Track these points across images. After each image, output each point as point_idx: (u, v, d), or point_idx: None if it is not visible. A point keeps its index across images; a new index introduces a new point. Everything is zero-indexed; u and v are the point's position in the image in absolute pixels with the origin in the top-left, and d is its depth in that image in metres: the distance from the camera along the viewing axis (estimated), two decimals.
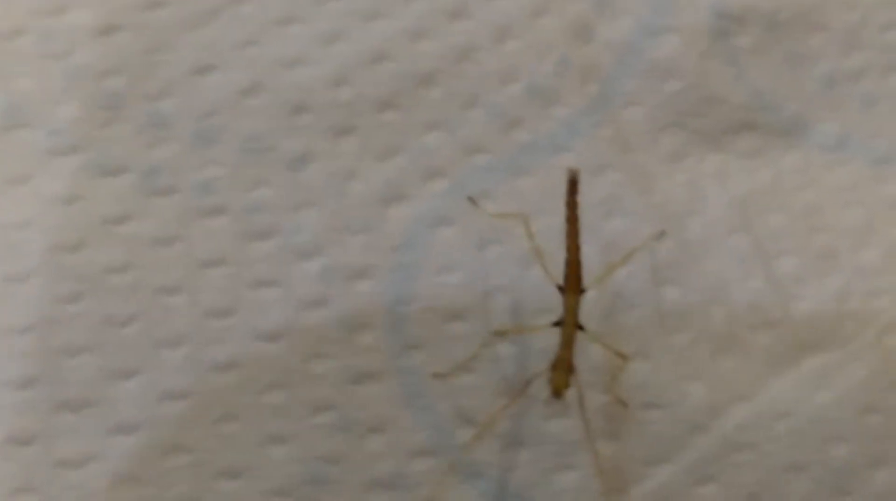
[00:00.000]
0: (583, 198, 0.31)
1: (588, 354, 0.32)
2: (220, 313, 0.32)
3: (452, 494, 0.31)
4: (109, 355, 0.31)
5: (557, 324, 0.31)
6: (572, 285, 0.30)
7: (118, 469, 0.31)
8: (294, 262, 0.31)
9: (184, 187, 0.31)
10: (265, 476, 0.31)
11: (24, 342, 0.31)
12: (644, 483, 0.32)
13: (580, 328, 0.31)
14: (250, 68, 0.33)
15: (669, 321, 0.32)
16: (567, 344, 0.30)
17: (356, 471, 0.30)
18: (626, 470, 0.32)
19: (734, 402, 0.31)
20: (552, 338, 0.31)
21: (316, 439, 0.30)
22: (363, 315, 0.30)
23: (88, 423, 0.31)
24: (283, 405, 0.30)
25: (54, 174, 0.32)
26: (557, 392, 0.30)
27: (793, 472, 0.32)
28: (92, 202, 0.32)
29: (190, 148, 0.32)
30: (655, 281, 0.33)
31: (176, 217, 0.31)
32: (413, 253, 0.31)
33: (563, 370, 0.30)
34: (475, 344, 0.31)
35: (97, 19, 0.33)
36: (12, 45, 0.32)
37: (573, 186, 0.30)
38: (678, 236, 0.33)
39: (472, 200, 0.31)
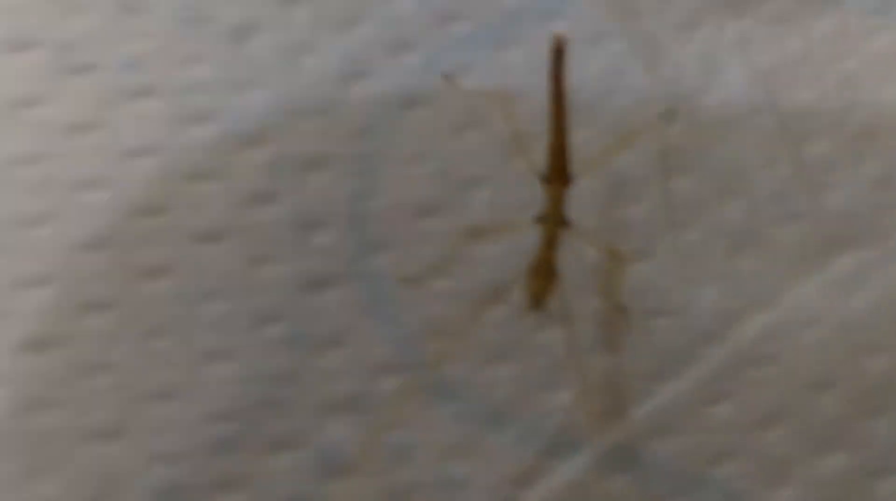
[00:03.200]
0: (578, 72, 0.28)
1: (581, 254, 0.29)
2: (148, 210, 0.29)
3: (422, 416, 0.28)
4: (16, 260, 0.28)
5: (541, 220, 0.28)
6: (556, 173, 0.28)
7: (31, 391, 0.28)
8: (237, 151, 0.29)
9: (105, 65, 0.29)
10: (203, 397, 0.28)
11: None
12: (647, 402, 0.29)
13: (566, 224, 0.28)
14: None
15: (679, 214, 0.30)
16: (549, 244, 0.27)
17: (311, 391, 0.28)
18: (626, 387, 0.29)
19: (753, 308, 0.29)
20: (536, 238, 0.28)
21: (263, 355, 0.28)
22: (318, 212, 0.29)
23: None
24: (223, 316, 0.28)
25: None
26: (537, 300, 0.27)
27: (821, 389, 0.29)
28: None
29: (112, 18, 0.29)
30: (663, 168, 0.30)
31: (96, 100, 0.29)
32: (377, 139, 0.29)
33: (543, 274, 0.27)
34: (448, 244, 0.29)
35: None
36: None
37: (559, 55, 0.27)
38: (690, 116, 0.30)
39: (446, 76, 0.29)
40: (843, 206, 0.30)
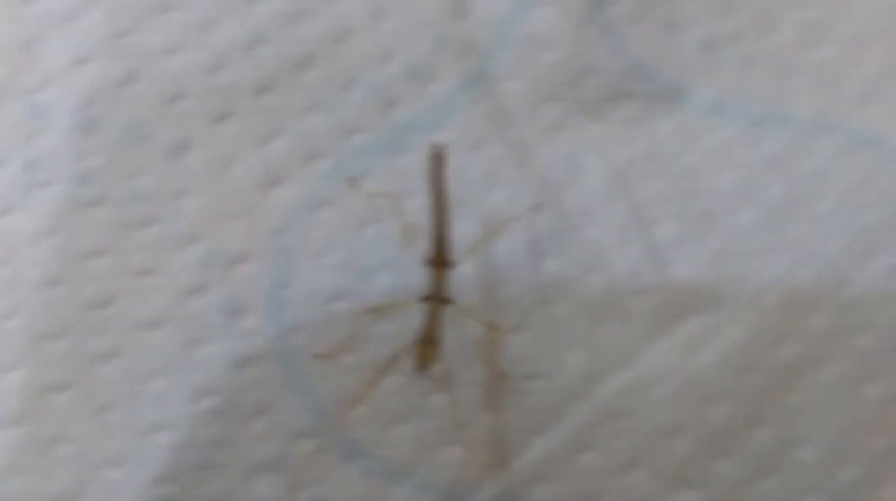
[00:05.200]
0: (461, 173, 0.32)
1: (465, 328, 0.32)
2: (100, 303, 0.32)
3: (336, 473, 0.32)
4: None
5: (426, 299, 0.31)
6: (437, 258, 0.31)
7: (1, 462, 0.31)
8: (174, 249, 0.32)
9: (64, 179, 0.31)
10: (149, 463, 0.31)
11: None
12: (526, 454, 0.32)
13: (449, 301, 0.31)
14: (126, 57, 0.33)
15: (548, 291, 0.33)
16: (431, 318, 0.30)
17: (240, 455, 0.31)
18: (506, 442, 0.32)
19: (613, 368, 0.31)
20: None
21: (199, 424, 0.31)
22: (244, 300, 0.31)
23: None
24: (165, 392, 0.31)
25: None
26: (422, 366, 0.30)
27: (671, 435, 0.32)
28: None
29: (69, 139, 0.32)
30: (533, 253, 0.33)
31: (56, 209, 0.31)
32: (293, 236, 0.32)
33: (427, 343, 0.30)
34: (353, 324, 0.32)
35: None
36: None
37: (437, 160, 0.31)
38: (556, 207, 0.33)
39: (350, 180, 0.32)
40: (688, 278, 0.33)
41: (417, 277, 0.32)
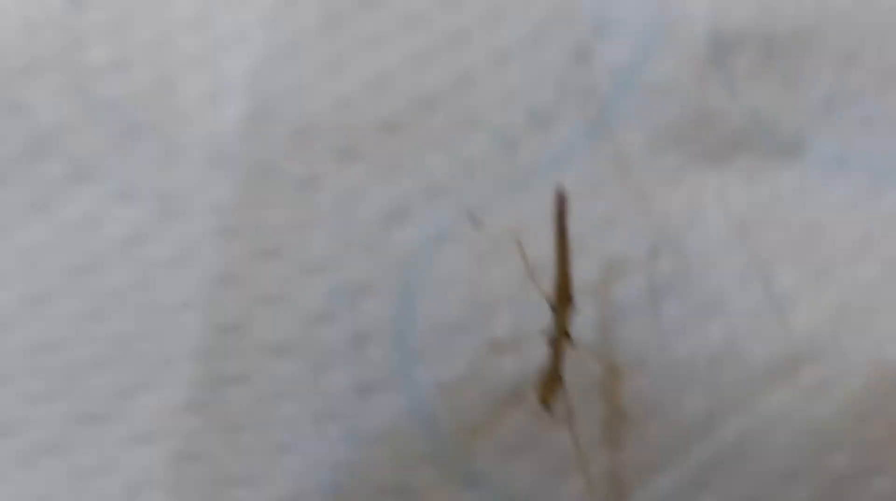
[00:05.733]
0: (582, 216, 0.32)
1: (587, 366, 0.32)
2: (231, 329, 0.33)
3: (455, 500, 0.32)
4: (124, 370, 0.32)
5: (550, 336, 0.32)
6: (561, 299, 0.32)
7: (136, 478, 0.32)
8: (302, 280, 0.33)
9: (198, 210, 0.32)
10: (277, 484, 0.32)
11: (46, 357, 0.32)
12: (642, 491, 0.32)
13: (571, 340, 0.31)
14: (259, 96, 0.34)
15: (667, 334, 0.33)
16: (555, 356, 0.31)
17: (363, 480, 0.32)
18: (625, 478, 0.32)
19: (732, 412, 0.31)
20: (546, 351, 0.32)
21: (325, 448, 0.32)
22: (369, 330, 0.32)
23: (107, 435, 0.32)
24: (292, 416, 0.32)
25: (75, 201, 0.33)
26: (544, 402, 0.31)
27: (790, 480, 0.33)
28: (108, 227, 0.33)
29: (203, 172, 0.33)
30: (653, 296, 0.34)
31: (189, 238, 0.32)
32: (416, 270, 0.33)
33: (550, 381, 0.31)
34: (476, 357, 0.33)
35: (112, 55, 0.34)
36: (34, 80, 0.34)
37: (561, 205, 0.32)
38: (676, 253, 0.34)
39: (473, 218, 0.33)
40: (807, 328, 0.33)
41: (538, 314, 0.32)
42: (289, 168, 0.34)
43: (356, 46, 0.34)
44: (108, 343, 0.32)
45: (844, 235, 0.33)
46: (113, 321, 0.32)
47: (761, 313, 0.32)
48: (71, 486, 0.31)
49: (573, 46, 0.35)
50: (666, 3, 0.35)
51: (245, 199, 0.33)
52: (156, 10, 0.34)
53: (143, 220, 0.33)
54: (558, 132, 0.34)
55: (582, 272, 0.31)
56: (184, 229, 0.33)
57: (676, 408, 0.32)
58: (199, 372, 0.32)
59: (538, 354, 0.32)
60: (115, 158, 0.34)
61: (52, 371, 0.32)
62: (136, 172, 0.34)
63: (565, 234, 0.30)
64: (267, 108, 0.34)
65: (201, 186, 0.34)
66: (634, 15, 0.35)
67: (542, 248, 0.31)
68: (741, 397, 0.32)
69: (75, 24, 0.34)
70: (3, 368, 0.32)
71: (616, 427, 0.32)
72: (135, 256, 0.33)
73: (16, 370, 0.32)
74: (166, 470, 0.32)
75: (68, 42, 0.34)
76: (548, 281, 0.32)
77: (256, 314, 0.33)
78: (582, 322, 0.32)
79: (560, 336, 0.31)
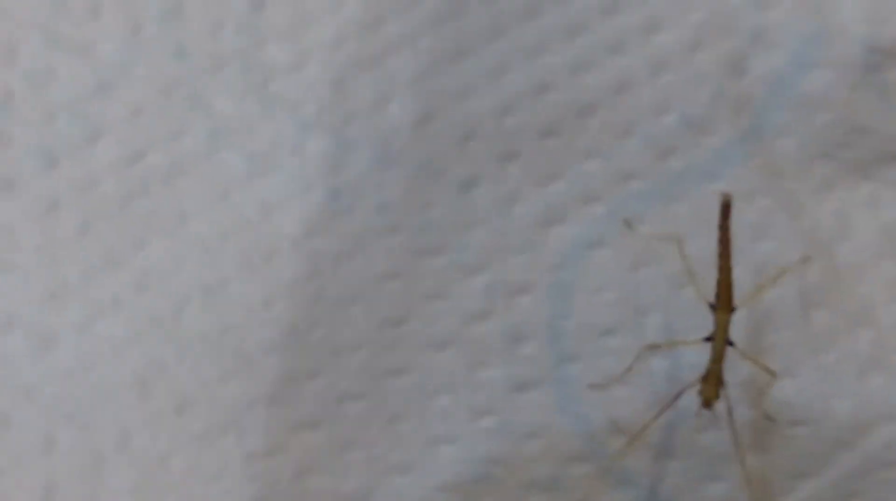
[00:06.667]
0: (734, 222, 0.33)
1: (737, 370, 0.33)
2: (394, 322, 0.34)
3: (605, 498, 0.33)
4: (294, 358, 0.34)
5: (709, 340, 0.32)
6: (724, 302, 0.32)
7: (303, 462, 0.33)
8: (461, 277, 0.34)
9: (365, 207, 0.33)
10: (433, 472, 0.33)
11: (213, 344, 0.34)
12: (790, 496, 0.33)
13: (730, 344, 0.32)
14: (425, 100, 0.35)
15: (817, 341, 0.34)
16: (717, 358, 0.32)
17: (516, 473, 0.33)
18: (773, 483, 0.33)
19: (881, 420, 0.32)
20: (702, 354, 0.33)
21: (479, 441, 0.33)
22: (524, 328, 0.33)
23: (276, 418, 0.33)
24: (449, 408, 0.33)
25: (251, 194, 0.35)
26: (708, 403, 0.32)
27: None
28: (281, 219, 0.35)
29: (371, 171, 0.35)
30: (803, 304, 0.34)
31: (356, 234, 0.33)
32: (571, 272, 0.34)
33: (713, 382, 0.32)
34: (628, 358, 0.34)
35: (290, 55, 0.36)
36: (216, 77, 0.35)
37: (726, 209, 0.32)
38: (827, 261, 0.34)
39: (626, 223, 0.33)
40: None
41: (687, 318, 0.33)
42: (452, 169, 0.35)
43: (518, 53, 0.35)
44: (278, 331, 0.34)
45: None
46: (283, 309, 0.34)
47: None
48: (242, 467, 0.33)
49: (728, 55, 0.35)
50: (822, 15, 0.36)
51: (410, 198, 0.35)
52: (330, 13, 0.35)
53: (313, 213, 0.34)
54: (712, 140, 0.35)
55: (735, 277, 0.31)
56: (350, 224, 0.34)
57: (825, 415, 0.33)
58: (361, 362, 0.34)
59: (690, 356, 0.33)
60: (289, 154, 0.35)
61: (225, 355, 0.33)
62: (307, 167, 0.35)
63: (728, 237, 0.31)
64: (433, 110, 0.35)
65: (370, 183, 0.35)
66: (790, 26, 0.36)
67: (695, 253, 0.32)
68: (890, 405, 0.32)
69: (256, 24, 0.35)
70: (179, 349, 0.33)
71: (766, 432, 0.33)
72: (306, 249, 0.34)
73: (192, 351, 0.33)
74: (329, 455, 0.33)
75: (249, 42, 0.35)
76: (703, 285, 0.33)
77: (417, 310, 0.34)
78: (735, 327, 0.33)
79: (722, 338, 0.31)
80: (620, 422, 0.33)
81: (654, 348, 0.33)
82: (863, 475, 0.33)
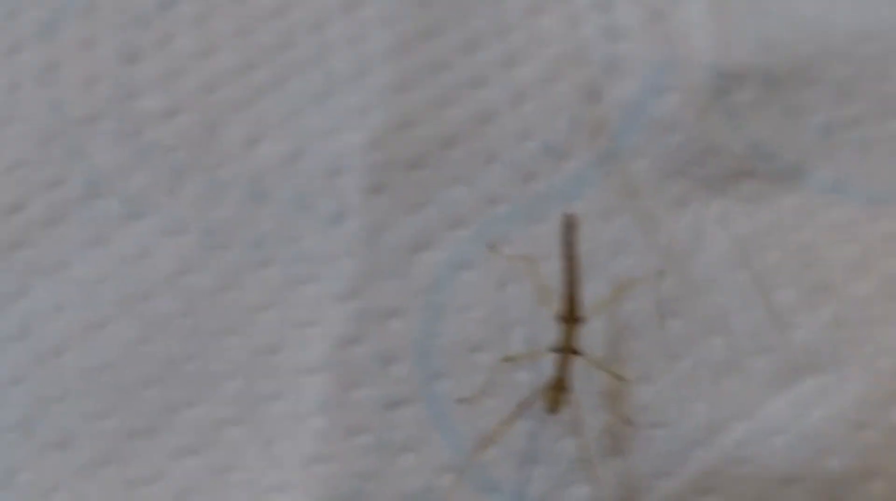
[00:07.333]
0: (593, 240, 0.35)
1: (594, 378, 0.35)
2: (269, 350, 0.36)
3: None
4: (172, 389, 0.36)
5: (557, 350, 0.34)
6: (567, 313, 0.34)
7: (183, 486, 0.35)
8: (333, 304, 0.35)
9: (238, 242, 0.35)
10: (311, 490, 0.34)
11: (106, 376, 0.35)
12: (650, 495, 0.34)
13: (577, 352, 0.34)
14: (293, 138, 0.37)
15: (672, 348, 0.35)
16: (562, 366, 0.33)
17: (389, 487, 0.33)
18: (633, 483, 0.34)
19: (733, 420, 0.33)
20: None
21: (354, 458, 0.34)
22: (395, 349, 0.34)
23: (157, 447, 0.35)
24: (325, 428, 0.34)
25: (128, 236, 0.36)
26: (552, 409, 0.33)
27: (788, 484, 0.34)
28: (158, 259, 0.36)
29: (243, 208, 0.35)
30: (658, 314, 0.36)
31: (230, 269, 0.34)
32: (439, 294, 0.34)
33: (557, 388, 0.33)
34: (492, 372, 0.35)
35: (162, 103, 0.37)
36: (92, 127, 0.37)
37: (568, 227, 0.34)
38: (681, 274, 0.36)
39: (491, 245, 0.34)
40: (806, 341, 0.35)
41: (551, 332, 0.35)
42: (321, 203, 0.37)
43: (383, 91, 0.37)
44: (156, 364, 0.35)
45: (842, 254, 0.34)
46: (160, 345, 0.35)
47: (762, 328, 0.34)
48: (125, 495, 0.34)
49: (584, 84, 0.37)
50: (671, 44, 0.38)
51: (281, 231, 0.36)
52: (200, 60, 0.37)
53: (188, 252, 0.36)
54: (571, 163, 0.37)
55: (593, 292, 0.33)
56: (225, 260, 0.36)
57: (681, 417, 0.34)
58: (239, 390, 0.35)
59: (549, 368, 0.34)
60: (164, 196, 0.36)
61: (105, 390, 0.34)
62: (182, 209, 0.36)
63: (573, 255, 0.32)
64: (301, 147, 0.37)
65: (243, 219, 0.36)
66: (641, 55, 0.38)
67: (558, 271, 0.35)
68: (742, 406, 0.33)
69: (129, 76, 0.37)
70: (62, 387, 0.35)
71: (623, 436, 0.34)
72: (181, 286, 0.36)
73: (73, 389, 0.35)
74: (210, 481, 0.35)
75: (123, 93, 0.37)
76: (555, 300, 0.35)
77: (291, 337, 0.36)
78: (593, 338, 0.35)
79: (566, 348, 0.33)
80: (487, 432, 0.34)
81: (509, 360, 0.35)
82: (718, 471, 0.33)
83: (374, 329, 0.35)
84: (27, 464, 0.34)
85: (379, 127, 0.37)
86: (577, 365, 0.34)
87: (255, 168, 0.37)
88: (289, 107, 0.37)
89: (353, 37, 0.38)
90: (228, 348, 0.36)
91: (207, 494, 0.35)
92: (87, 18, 0.38)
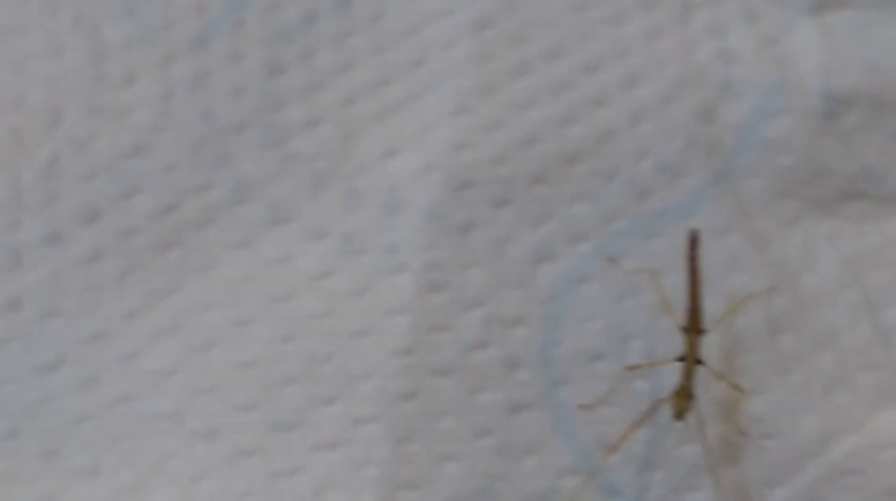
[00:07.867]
0: (706, 257, 0.36)
1: (711, 389, 0.36)
2: (403, 352, 0.37)
3: None
4: (313, 385, 0.37)
5: (681, 359, 0.35)
6: (692, 325, 0.36)
7: (321, 480, 0.37)
8: (463, 311, 0.36)
9: (375, 248, 0.36)
10: (439, 488, 0.36)
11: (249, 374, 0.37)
12: None
13: (700, 362, 0.35)
14: (427, 151, 0.39)
15: (783, 362, 0.37)
16: (687, 375, 0.35)
17: (513, 487, 0.34)
18: (745, 492, 0.36)
19: (843, 433, 0.34)
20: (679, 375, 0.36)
21: (480, 459, 0.34)
22: (519, 356, 0.35)
23: (295, 441, 0.37)
24: (453, 429, 0.35)
25: (272, 240, 0.38)
26: (678, 415, 0.35)
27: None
28: (299, 262, 0.38)
29: (379, 215, 0.37)
30: (771, 329, 0.37)
31: (368, 273, 0.36)
32: (560, 305, 0.35)
33: (683, 395, 0.35)
34: (613, 381, 0.36)
35: (304, 114, 0.39)
36: (239, 136, 0.39)
37: (693, 242, 0.36)
38: (792, 291, 0.37)
39: (610, 259, 0.36)
40: None
41: (667, 343, 0.36)
42: (452, 214, 0.38)
43: (510, 108, 0.39)
44: (296, 362, 0.37)
45: None
46: (301, 343, 0.37)
47: (870, 345, 0.35)
48: (266, 486, 0.36)
49: (700, 106, 0.39)
50: (782, 68, 0.39)
51: (417, 240, 0.38)
52: (340, 74, 0.39)
53: (328, 256, 0.38)
54: (687, 182, 0.38)
55: (708, 306, 0.34)
56: (363, 265, 0.38)
57: (792, 429, 0.36)
58: (375, 389, 0.37)
59: (669, 376, 0.36)
60: (306, 202, 0.38)
61: (250, 385, 0.36)
62: (323, 215, 0.38)
63: (696, 266, 0.34)
64: (436, 161, 0.39)
65: (378, 228, 0.38)
66: (755, 78, 0.39)
67: (672, 285, 0.35)
68: (851, 419, 0.34)
69: (273, 88, 0.39)
70: (210, 380, 0.36)
71: (738, 445, 0.36)
72: (321, 287, 0.38)
73: (221, 382, 0.36)
74: (347, 475, 0.36)
75: (268, 103, 0.39)
76: (678, 313, 0.36)
77: (424, 340, 0.37)
78: (709, 350, 0.36)
79: (691, 357, 0.34)
80: (607, 439, 0.36)
81: (633, 369, 0.36)
82: (829, 482, 0.34)
83: (500, 336, 0.37)
84: (178, 452, 0.36)
85: (505, 144, 0.39)
86: (699, 375, 0.35)
87: (390, 178, 0.38)
88: (421, 121, 0.39)
89: (481, 55, 0.40)
90: (364, 348, 0.37)
91: (345, 490, 0.36)
92: (235, 33, 0.40)
